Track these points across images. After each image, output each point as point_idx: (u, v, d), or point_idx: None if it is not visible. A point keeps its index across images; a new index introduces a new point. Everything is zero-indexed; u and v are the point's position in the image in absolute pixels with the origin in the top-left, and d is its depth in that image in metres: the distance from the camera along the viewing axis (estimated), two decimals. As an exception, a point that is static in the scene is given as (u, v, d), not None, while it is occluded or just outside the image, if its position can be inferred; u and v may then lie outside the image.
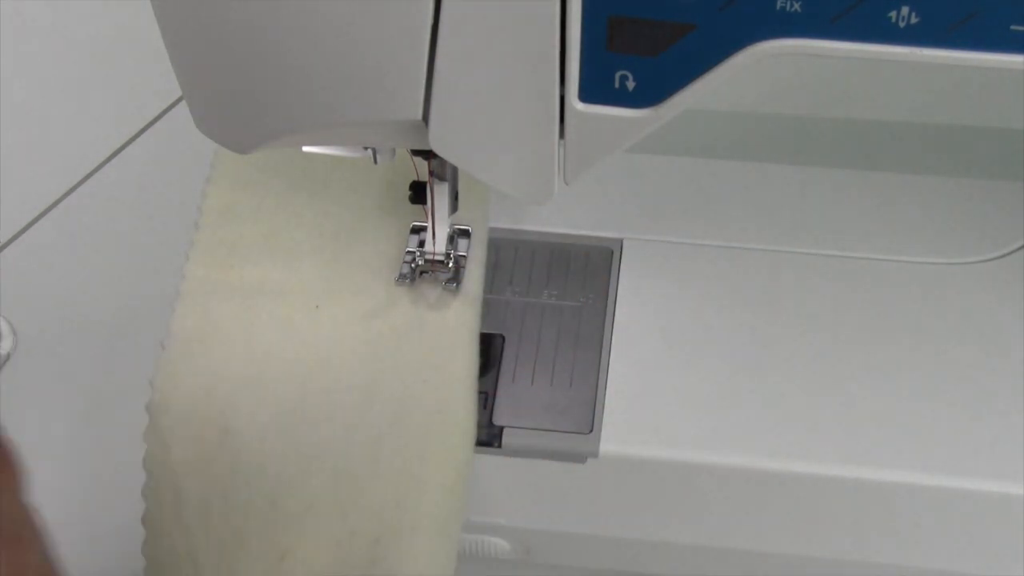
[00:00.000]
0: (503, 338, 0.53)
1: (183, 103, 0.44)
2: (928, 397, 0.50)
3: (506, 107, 0.41)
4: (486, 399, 0.51)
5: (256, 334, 0.50)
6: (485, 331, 0.52)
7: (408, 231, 0.53)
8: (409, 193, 0.50)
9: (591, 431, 0.49)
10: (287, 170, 0.55)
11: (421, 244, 0.52)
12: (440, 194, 0.49)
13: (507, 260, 0.55)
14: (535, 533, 0.53)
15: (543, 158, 0.43)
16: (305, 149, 0.47)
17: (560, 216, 0.56)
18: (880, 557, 0.51)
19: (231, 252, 0.52)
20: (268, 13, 0.39)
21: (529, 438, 0.50)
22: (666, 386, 0.51)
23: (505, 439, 0.50)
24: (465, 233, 0.53)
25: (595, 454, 0.49)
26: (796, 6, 0.37)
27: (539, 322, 0.53)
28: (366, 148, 0.47)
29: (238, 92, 0.42)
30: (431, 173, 0.49)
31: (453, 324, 0.50)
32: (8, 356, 0.65)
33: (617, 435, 0.49)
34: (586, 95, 0.41)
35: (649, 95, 0.40)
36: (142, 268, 0.68)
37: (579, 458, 0.49)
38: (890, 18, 0.37)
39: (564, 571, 0.56)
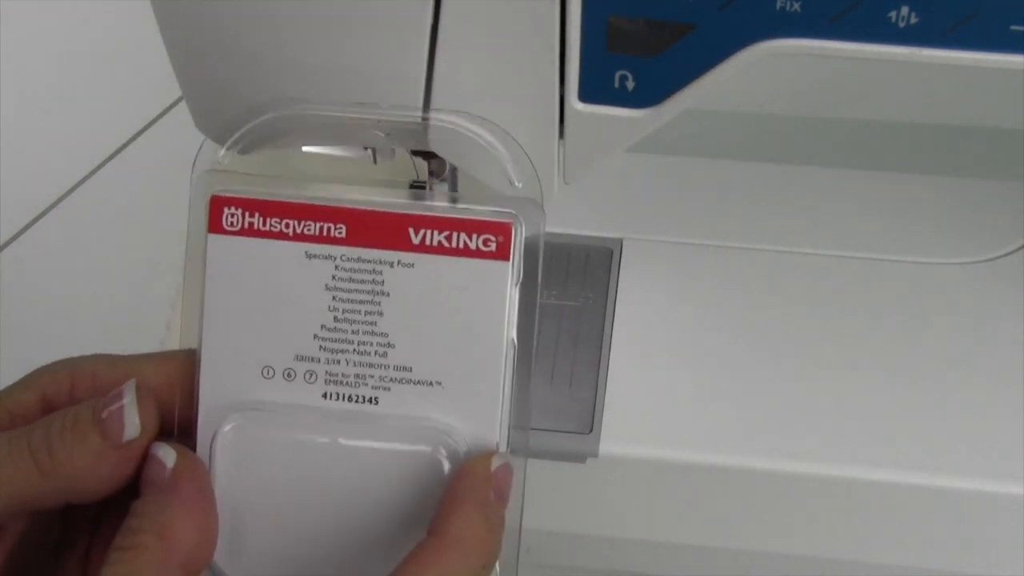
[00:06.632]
0: (503, 338, 0.53)
1: (183, 103, 0.44)
2: (928, 397, 0.50)
3: (506, 107, 0.41)
4: (486, 399, 0.50)
5: None
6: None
7: None
8: (409, 193, 0.50)
9: (591, 431, 0.49)
10: (287, 170, 0.55)
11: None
12: (440, 194, 0.49)
13: (507, 260, 0.55)
14: (535, 533, 0.53)
15: (543, 158, 0.43)
16: (305, 149, 0.47)
17: (560, 216, 0.56)
18: (880, 557, 0.51)
19: None
20: (268, 12, 0.39)
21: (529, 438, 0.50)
22: (666, 386, 0.51)
23: (505, 439, 0.50)
24: None
25: (595, 454, 0.49)
26: (796, 6, 0.37)
27: (539, 322, 0.53)
28: (366, 148, 0.47)
29: (238, 92, 0.42)
30: (431, 173, 0.49)
31: None
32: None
33: (617, 435, 0.49)
34: (586, 95, 0.41)
35: (649, 95, 0.40)
36: (142, 268, 0.68)
37: (579, 458, 0.49)
38: (890, 18, 0.37)
39: (564, 571, 0.56)
